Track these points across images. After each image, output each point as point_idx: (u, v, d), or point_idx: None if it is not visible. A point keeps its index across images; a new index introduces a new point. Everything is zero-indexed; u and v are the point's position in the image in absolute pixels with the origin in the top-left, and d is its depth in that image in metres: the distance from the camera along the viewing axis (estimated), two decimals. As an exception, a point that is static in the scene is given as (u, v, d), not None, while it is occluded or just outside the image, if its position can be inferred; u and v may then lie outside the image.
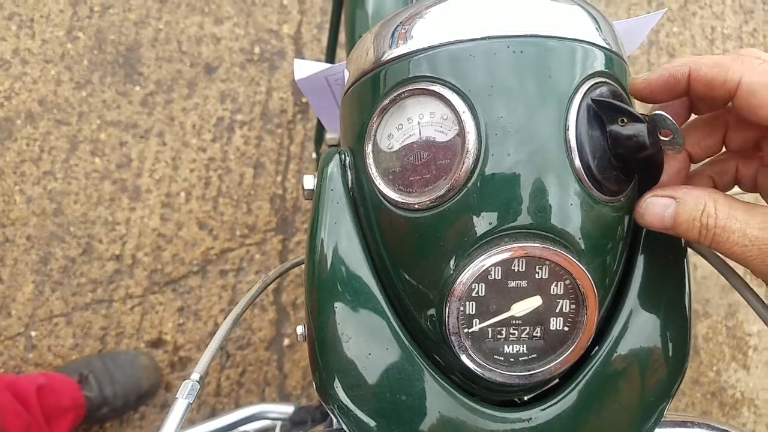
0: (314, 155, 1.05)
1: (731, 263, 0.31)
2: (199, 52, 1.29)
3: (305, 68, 0.36)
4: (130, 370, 1.09)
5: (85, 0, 1.30)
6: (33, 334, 1.13)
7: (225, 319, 0.34)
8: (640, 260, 0.31)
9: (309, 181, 0.32)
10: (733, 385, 1.38)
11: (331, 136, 0.84)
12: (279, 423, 0.68)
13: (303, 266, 0.39)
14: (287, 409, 0.72)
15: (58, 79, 1.25)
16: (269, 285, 0.37)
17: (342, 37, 0.87)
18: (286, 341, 1.22)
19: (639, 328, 0.31)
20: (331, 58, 0.79)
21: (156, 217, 1.21)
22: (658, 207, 0.29)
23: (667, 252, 0.31)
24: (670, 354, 0.31)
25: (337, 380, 0.30)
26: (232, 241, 1.24)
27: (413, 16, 0.29)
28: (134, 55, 1.28)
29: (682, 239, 0.32)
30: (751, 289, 0.32)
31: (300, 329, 0.34)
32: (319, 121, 0.92)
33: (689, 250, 0.33)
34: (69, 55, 1.26)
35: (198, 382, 0.31)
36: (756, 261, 0.26)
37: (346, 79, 0.32)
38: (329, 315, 0.30)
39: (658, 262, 0.31)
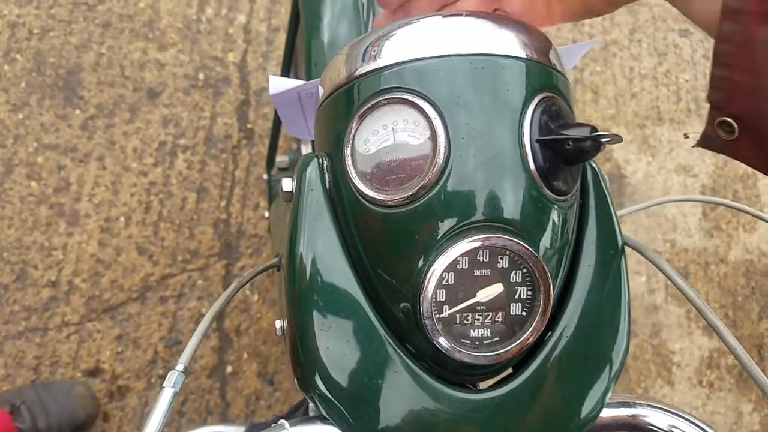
0: (265, 176, 1.11)
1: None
2: (143, 77, 1.34)
3: (279, 84, 0.41)
4: (65, 400, 1.08)
5: (23, 22, 1.32)
6: (-41, 364, 1.11)
7: (204, 317, 0.39)
8: (584, 255, 0.36)
9: (288, 184, 0.35)
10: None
11: (281, 159, 0.91)
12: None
13: (270, 272, 0.45)
14: (238, 429, 0.76)
15: (-8, 101, 1.26)
16: (246, 284, 0.42)
17: (291, 65, 0.95)
18: (229, 368, 1.25)
19: (585, 316, 0.35)
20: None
21: (94, 243, 1.23)
22: None
23: (607, 249, 0.36)
24: (614, 339, 0.36)
25: (317, 370, 0.33)
26: (173, 267, 1.26)
27: (381, 38, 0.33)
28: (75, 79, 1.31)
29: (619, 240, 0.37)
30: (685, 279, 0.38)
31: (279, 323, 0.37)
32: (271, 143, 0.98)
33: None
34: (6, 77, 1.28)
35: (183, 372, 0.34)
36: None
37: (320, 94, 0.37)
38: (310, 308, 0.33)
39: (600, 257, 0.36)
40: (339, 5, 0.62)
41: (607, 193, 0.38)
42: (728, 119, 0.32)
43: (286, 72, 0.83)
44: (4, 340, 1.14)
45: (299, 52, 0.85)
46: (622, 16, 1.69)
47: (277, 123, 0.93)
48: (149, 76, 1.34)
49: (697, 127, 1.67)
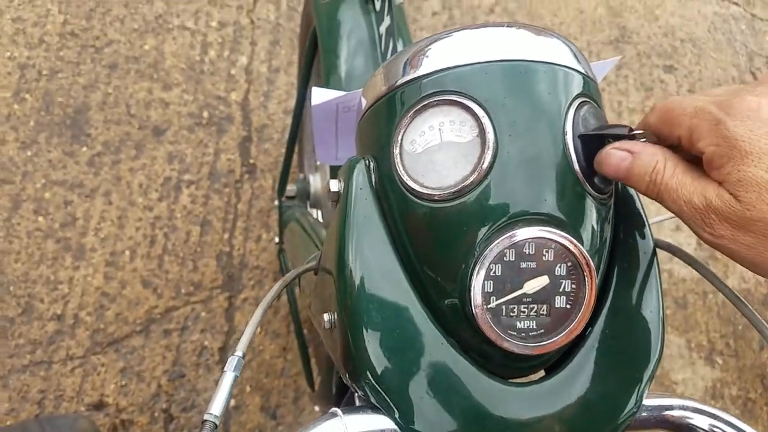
0: (276, 202, 1.17)
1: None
2: (148, 115, 1.41)
3: (322, 95, 0.45)
4: (69, 433, 1.10)
5: (33, 64, 1.39)
6: (-37, 399, 1.13)
7: (256, 309, 0.41)
8: (620, 254, 0.38)
9: (335, 185, 0.38)
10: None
11: (290, 187, 0.97)
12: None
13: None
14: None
15: (2, 139, 1.31)
16: (289, 283, 0.46)
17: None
18: (232, 402, 1.27)
19: (621, 314, 0.37)
20: (299, 113, 0.92)
21: (100, 276, 1.27)
22: (616, 158, 0.34)
23: (640, 249, 0.38)
24: (650, 338, 0.37)
25: (369, 363, 0.34)
26: (176, 300, 1.30)
27: (418, 52, 0.36)
28: (82, 117, 1.37)
29: (652, 240, 0.39)
30: (721, 281, 0.39)
31: (327, 316, 0.38)
32: (283, 170, 1.04)
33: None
34: (15, 115, 1.34)
35: (242, 357, 0.37)
36: (689, 221, 0.32)
37: (363, 105, 0.40)
38: (361, 303, 0.34)
39: (634, 257, 0.38)
40: (355, 40, 0.69)
41: (637, 197, 0.40)
42: None
43: (299, 105, 0.90)
44: (8, 374, 1.16)
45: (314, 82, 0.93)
46: (608, 53, 1.79)
47: (290, 150, 0.99)
48: (154, 115, 1.41)
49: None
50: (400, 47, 0.64)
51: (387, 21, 0.64)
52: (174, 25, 1.49)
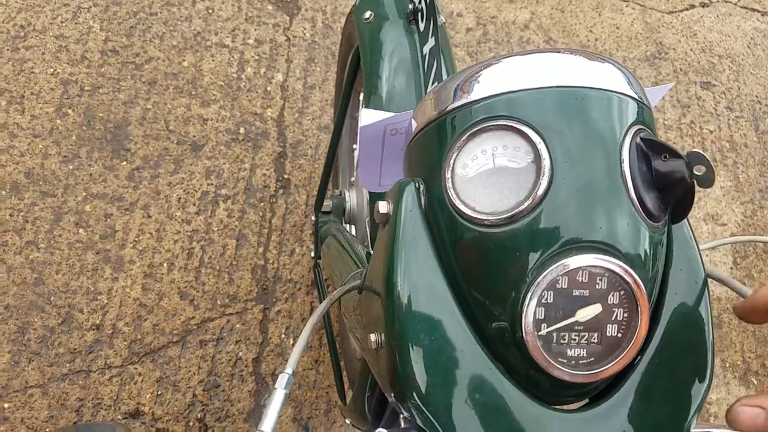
0: (313, 218, 1.19)
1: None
2: (186, 131, 1.45)
3: (371, 116, 0.45)
4: (106, 442, 1.13)
5: (75, 80, 1.45)
6: (6, 405, 1.17)
7: (304, 327, 0.43)
8: (671, 283, 0.37)
9: (384, 206, 0.38)
10: None
11: (327, 202, 0.99)
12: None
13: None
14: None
15: (45, 153, 1.37)
16: (335, 301, 0.47)
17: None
18: (263, 415, 1.29)
19: (671, 345, 0.36)
20: (339, 130, 0.95)
21: (138, 287, 1.30)
22: (748, 415, 0.34)
23: (691, 279, 0.38)
24: (699, 370, 0.37)
25: (415, 385, 0.35)
26: (212, 311, 1.33)
27: (469, 78, 0.37)
28: (122, 132, 1.42)
29: (703, 270, 0.39)
30: None
31: (374, 337, 0.38)
32: (321, 186, 1.07)
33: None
34: (58, 130, 1.39)
35: (292, 375, 0.38)
36: None
37: (414, 128, 0.40)
38: (409, 325, 0.35)
39: (685, 287, 0.38)
40: (397, 60, 0.71)
41: (689, 225, 0.39)
42: None
43: (340, 122, 0.92)
44: (48, 382, 1.20)
45: (354, 106, 0.95)
46: (644, 70, 1.79)
47: (328, 166, 1.01)
48: (192, 131, 1.45)
49: (723, 175, 1.74)
50: (443, 68, 0.66)
51: (431, 42, 0.66)
52: (212, 42, 1.53)
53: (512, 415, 0.35)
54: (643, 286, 0.34)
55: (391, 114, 0.45)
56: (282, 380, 0.38)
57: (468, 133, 0.35)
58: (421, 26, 0.70)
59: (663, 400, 0.36)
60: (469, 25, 1.73)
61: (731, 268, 1.68)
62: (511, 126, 0.34)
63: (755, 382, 1.56)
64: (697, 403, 0.37)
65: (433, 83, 0.66)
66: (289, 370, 0.39)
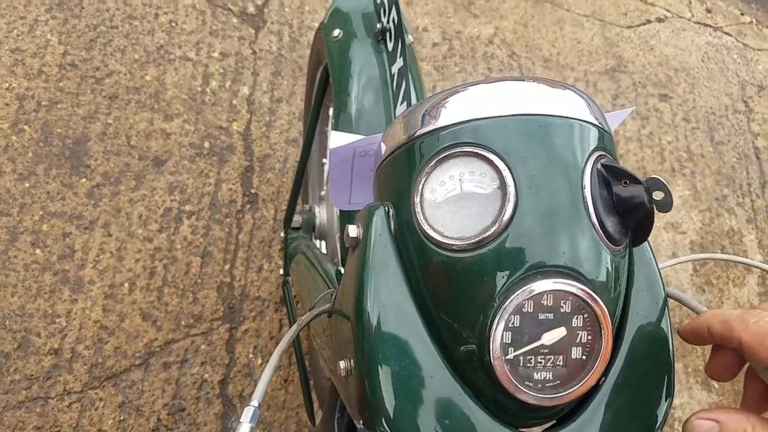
0: (282, 234, 1.17)
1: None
2: (149, 146, 1.42)
3: (340, 138, 0.45)
4: (66, 472, 1.09)
5: (32, 95, 1.40)
6: (-42, 437, 1.11)
7: (271, 356, 0.41)
8: (632, 305, 0.38)
9: (353, 230, 0.38)
10: None
11: (296, 218, 0.97)
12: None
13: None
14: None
15: (0, 171, 1.32)
16: (305, 326, 0.46)
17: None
18: (232, 436, 1.26)
19: (633, 366, 0.37)
20: (308, 145, 0.94)
21: (98, 309, 1.26)
22: (703, 428, 0.34)
23: (652, 300, 0.39)
24: (660, 389, 0.38)
25: (385, 411, 0.34)
26: (176, 332, 1.30)
27: (437, 104, 0.37)
28: (81, 149, 1.38)
29: (663, 290, 0.39)
30: None
31: (343, 363, 0.38)
32: (290, 202, 1.05)
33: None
34: (13, 147, 1.34)
35: (258, 408, 0.37)
36: None
37: (383, 151, 0.40)
38: (378, 350, 0.35)
39: (646, 308, 0.39)
40: (366, 78, 0.71)
41: (649, 247, 0.40)
42: None
43: (309, 140, 0.91)
44: (3, 411, 1.15)
45: (323, 121, 0.94)
46: (605, 83, 1.83)
47: (297, 182, 1.00)
48: (155, 146, 1.42)
49: (681, 185, 1.79)
50: (412, 88, 0.65)
51: (399, 62, 0.65)
52: (176, 55, 1.51)
53: None
54: (605, 309, 0.34)
55: (361, 137, 0.45)
56: (248, 413, 0.37)
57: (436, 159, 0.36)
58: (390, 46, 0.70)
59: (628, 419, 0.37)
60: (435, 40, 1.74)
61: (691, 275, 1.72)
62: (477, 153, 0.35)
63: (716, 386, 1.60)
64: (660, 419, 0.37)
65: (401, 103, 0.66)
66: (255, 402, 0.37)
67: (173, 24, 1.54)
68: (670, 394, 0.38)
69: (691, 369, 1.60)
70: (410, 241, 0.36)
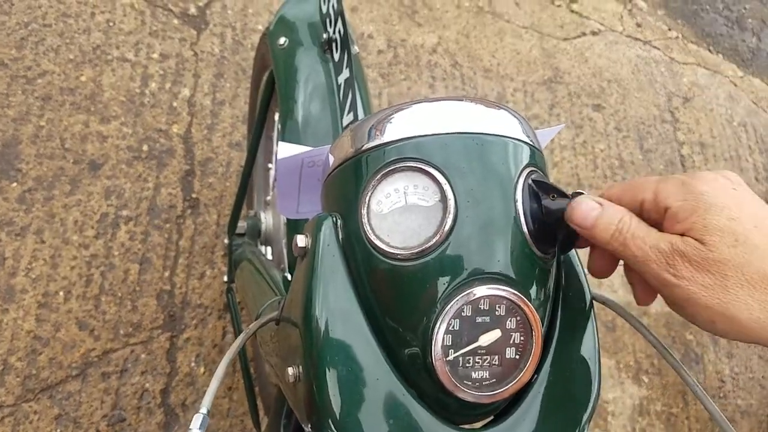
0: (226, 241, 1.16)
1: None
2: (84, 149, 1.37)
3: (289, 149, 0.46)
4: (-4, 490, 1.04)
5: (-43, 94, 1.34)
6: None
7: (219, 364, 0.42)
8: (562, 307, 0.41)
9: (302, 240, 0.40)
10: None
11: (241, 224, 0.97)
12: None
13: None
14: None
15: None
16: (252, 335, 0.46)
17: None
18: (174, 446, 1.24)
19: (563, 363, 0.40)
20: (254, 150, 0.93)
21: (31, 319, 1.21)
22: (586, 206, 0.38)
23: (579, 302, 0.42)
24: (588, 384, 0.41)
25: (332, 415, 0.36)
26: (115, 341, 1.26)
27: (382, 120, 0.39)
28: (12, 152, 1.32)
29: (588, 295, 0.42)
30: (650, 330, 0.44)
31: (291, 370, 0.40)
32: (235, 207, 1.04)
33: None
34: (-64, 149, 1.28)
35: (207, 414, 0.37)
36: (654, 263, 0.35)
37: (331, 163, 0.42)
38: (326, 354, 0.36)
39: (574, 310, 0.42)
40: (312, 86, 0.72)
41: (576, 253, 0.43)
42: None
43: (254, 145, 0.91)
44: (-74, 429, 1.09)
45: (269, 125, 0.94)
46: (542, 93, 1.90)
47: (243, 186, 1.00)
48: (91, 149, 1.38)
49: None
50: (359, 98, 0.67)
51: (346, 73, 0.67)
52: (113, 56, 1.47)
53: None
54: (535, 312, 0.37)
55: (309, 148, 0.47)
56: (197, 420, 0.37)
57: (382, 173, 0.38)
58: (336, 56, 0.71)
59: (559, 412, 0.40)
60: (380, 47, 1.76)
61: (622, 275, 1.81)
62: (421, 168, 0.37)
63: (646, 380, 1.69)
64: (588, 412, 0.40)
65: (348, 113, 0.67)
66: (203, 409, 0.38)
67: (110, 23, 1.50)
68: (597, 388, 0.41)
69: (623, 365, 1.68)
70: (357, 251, 0.38)
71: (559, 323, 0.41)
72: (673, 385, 1.73)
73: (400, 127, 0.39)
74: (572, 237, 0.40)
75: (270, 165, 1.17)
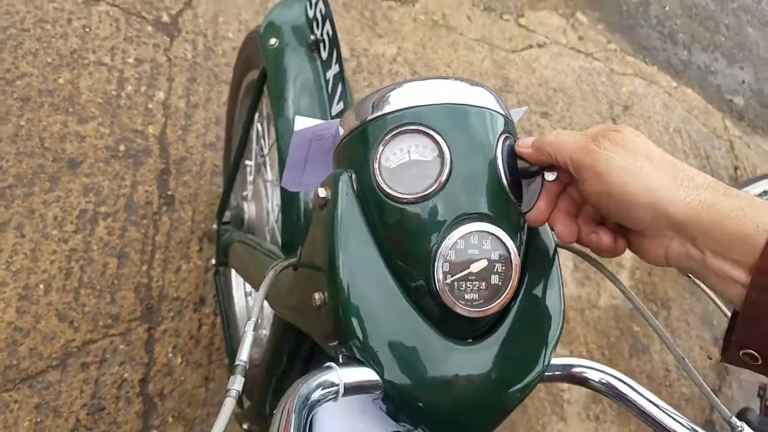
0: (214, 226, 1.23)
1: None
2: (63, 148, 1.42)
3: (304, 122, 0.54)
4: (-18, 474, 1.08)
5: (-66, 94, 1.37)
6: None
7: (258, 293, 0.50)
8: (532, 249, 0.50)
9: (323, 191, 0.48)
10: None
11: (226, 213, 1.05)
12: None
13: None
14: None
15: None
16: (270, 282, 0.53)
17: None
18: (153, 433, 1.29)
19: (535, 293, 0.49)
20: (243, 143, 1.02)
21: (12, 311, 1.25)
22: (527, 139, 0.49)
23: (547, 246, 0.51)
24: (556, 309, 0.50)
25: (357, 328, 0.45)
26: (94, 333, 1.31)
27: (384, 96, 0.48)
28: (-10, 149, 1.36)
29: (552, 242, 0.51)
30: (616, 278, 0.53)
31: (318, 295, 0.48)
32: (223, 197, 1.12)
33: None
34: None
35: (256, 321, 0.45)
36: (582, 141, 0.44)
37: (341, 134, 0.51)
38: (349, 283, 0.45)
39: (542, 252, 0.51)
40: (301, 83, 0.82)
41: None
42: (752, 351, 0.40)
43: (244, 137, 1.00)
44: None
45: (267, 121, 1.03)
46: (494, 100, 2.05)
47: (231, 177, 1.08)
48: (69, 148, 1.43)
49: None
50: (346, 89, 0.77)
51: (335, 68, 0.77)
52: (90, 60, 1.52)
53: (426, 348, 0.46)
54: (514, 245, 0.46)
55: (321, 121, 0.55)
56: (251, 325, 0.45)
57: (390, 134, 0.47)
58: (324, 55, 0.81)
59: (530, 336, 0.49)
60: (344, 56, 1.87)
61: (572, 270, 1.96)
62: (422, 130, 0.47)
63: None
64: (555, 337, 0.49)
65: (338, 103, 0.77)
66: (254, 317, 0.46)
67: (87, 29, 1.56)
68: (562, 317, 0.50)
69: (576, 355, 1.81)
70: (370, 199, 0.47)
71: (530, 261, 0.50)
72: (624, 373, 1.87)
73: (398, 100, 0.48)
74: (536, 189, 0.50)
75: (248, 162, 1.26)
